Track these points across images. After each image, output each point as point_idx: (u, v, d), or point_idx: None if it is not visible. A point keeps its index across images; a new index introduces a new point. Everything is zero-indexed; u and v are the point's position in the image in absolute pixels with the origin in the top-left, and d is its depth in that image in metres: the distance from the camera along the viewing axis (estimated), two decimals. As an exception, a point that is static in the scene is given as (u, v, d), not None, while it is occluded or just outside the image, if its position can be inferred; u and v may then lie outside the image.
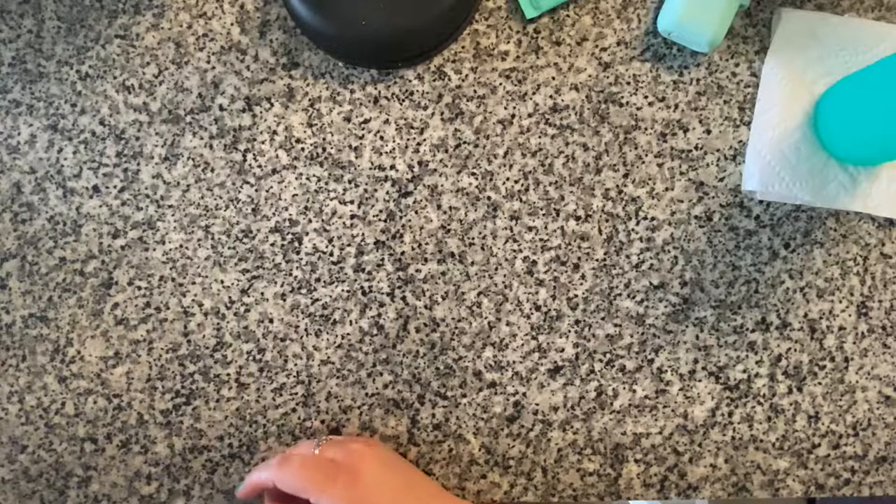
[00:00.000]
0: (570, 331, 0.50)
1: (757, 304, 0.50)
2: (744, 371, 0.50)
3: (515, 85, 0.50)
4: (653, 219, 0.50)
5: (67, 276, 0.50)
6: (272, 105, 0.50)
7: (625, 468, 0.50)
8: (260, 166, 0.50)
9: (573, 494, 0.51)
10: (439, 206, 0.50)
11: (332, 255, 0.50)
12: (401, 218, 0.50)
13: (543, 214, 0.50)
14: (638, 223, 0.50)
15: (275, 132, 0.50)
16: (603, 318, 0.50)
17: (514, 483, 0.51)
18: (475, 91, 0.50)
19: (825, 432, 0.51)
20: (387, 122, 0.50)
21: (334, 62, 0.50)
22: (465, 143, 0.50)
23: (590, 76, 0.50)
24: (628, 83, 0.50)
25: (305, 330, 0.50)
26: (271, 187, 0.50)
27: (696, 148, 0.50)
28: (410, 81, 0.50)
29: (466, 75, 0.50)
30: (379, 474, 0.44)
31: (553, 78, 0.50)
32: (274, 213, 0.50)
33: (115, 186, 0.50)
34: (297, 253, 0.50)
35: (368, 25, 0.47)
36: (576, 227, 0.50)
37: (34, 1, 0.50)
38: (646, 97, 0.50)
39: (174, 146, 0.50)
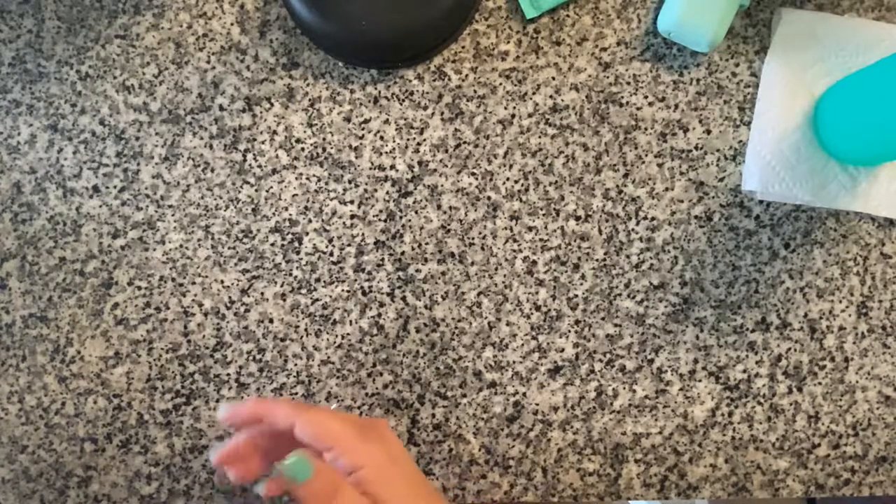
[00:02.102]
0: (570, 331, 0.50)
1: (757, 304, 0.50)
2: (744, 371, 0.50)
3: (515, 85, 0.50)
4: (653, 219, 0.50)
5: (67, 276, 0.50)
6: (272, 105, 0.50)
7: (625, 468, 0.50)
8: (260, 166, 0.50)
9: (573, 494, 0.51)
10: (439, 206, 0.50)
11: (332, 255, 0.50)
12: (401, 218, 0.50)
13: (543, 214, 0.50)
14: (638, 223, 0.50)
15: (275, 132, 0.50)
16: (603, 318, 0.50)
17: (514, 483, 0.51)
18: (475, 91, 0.50)
19: (825, 432, 0.51)
20: (387, 122, 0.50)
21: (334, 62, 0.50)
22: (465, 143, 0.50)
23: (590, 76, 0.50)
24: (628, 83, 0.50)
25: (305, 330, 0.50)
26: (271, 187, 0.50)
27: (696, 148, 0.50)
28: (410, 81, 0.50)
29: (466, 75, 0.50)
30: (399, 443, 0.41)
31: (553, 78, 0.50)
32: (274, 213, 0.50)
33: (115, 186, 0.50)
34: (297, 253, 0.50)
35: (368, 25, 0.47)
36: (576, 227, 0.50)
37: (34, 1, 0.50)
38: (646, 97, 0.50)
39: (174, 146, 0.50)
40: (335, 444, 0.37)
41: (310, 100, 0.50)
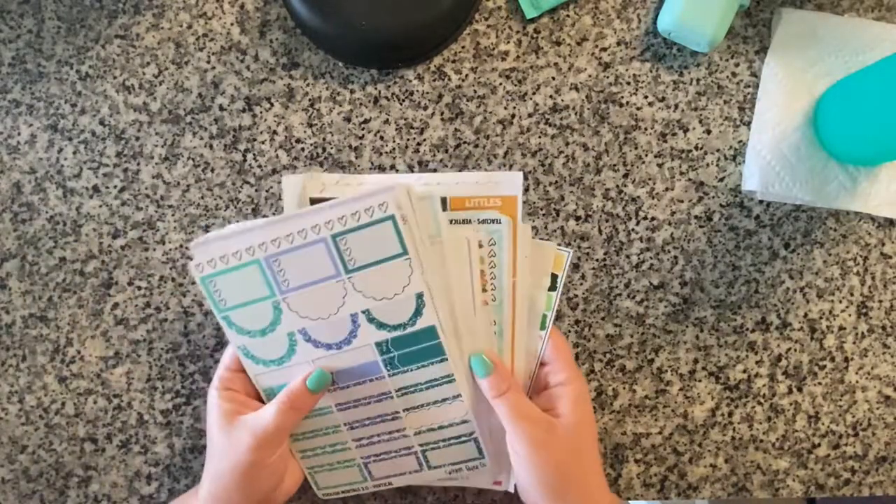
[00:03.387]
0: (570, 331, 0.50)
1: (757, 304, 0.50)
2: (744, 371, 0.50)
3: (515, 85, 0.50)
4: (653, 219, 0.50)
5: (67, 276, 0.50)
6: (272, 105, 0.50)
7: (625, 468, 0.50)
8: (260, 166, 0.50)
9: (573, 494, 0.51)
10: (439, 206, 0.50)
11: (332, 255, 0.50)
12: (401, 218, 0.50)
13: (543, 214, 0.50)
14: (638, 223, 0.50)
15: (275, 132, 0.50)
16: (603, 318, 0.50)
17: (514, 483, 0.50)
18: (475, 91, 0.50)
19: (825, 432, 0.51)
20: (387, 122, 0.50)
21: (334, 62, 0.50)
22: (465, 143, 0.50)
23: (590, 76, 0.50)
24: (628, 83, 0.50)
25: (305, 330, 0.50)
26: (271, 187, 0.50)
27: (696, 148, 0.50)
28: (410, 81, 0.50)
29: (466, 75, 0.50)
30: None
31: (553, 78, 0.50)
32: (274, 214, 0.50)
33: (115, 186, 0.50)
34: (297, 253, 0.50)
35: (368, 25, 0.47)
36: (576, 227, 0.50)
37: (34, 1, 0.50)
38: (646, 97, 0.50)
39: (174, 146, 0.50)
40: (564, 360, 0.44)
41: (310, 100, 0.50)
